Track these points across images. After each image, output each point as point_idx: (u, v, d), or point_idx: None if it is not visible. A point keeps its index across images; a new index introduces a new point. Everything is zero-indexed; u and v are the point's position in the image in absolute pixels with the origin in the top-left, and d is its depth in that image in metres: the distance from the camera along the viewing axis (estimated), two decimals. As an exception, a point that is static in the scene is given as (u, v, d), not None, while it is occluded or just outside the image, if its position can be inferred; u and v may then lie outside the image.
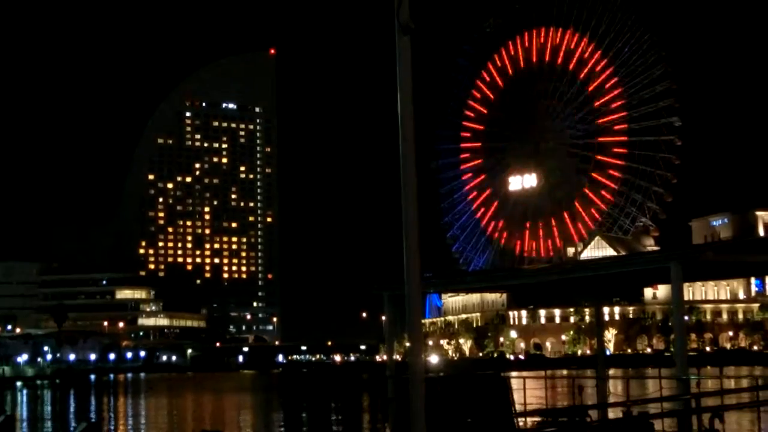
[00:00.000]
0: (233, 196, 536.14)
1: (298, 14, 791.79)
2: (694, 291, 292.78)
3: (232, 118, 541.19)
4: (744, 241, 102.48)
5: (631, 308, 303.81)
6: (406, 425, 17.96)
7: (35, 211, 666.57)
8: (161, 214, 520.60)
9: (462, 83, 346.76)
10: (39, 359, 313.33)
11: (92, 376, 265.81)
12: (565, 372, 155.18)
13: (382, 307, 53.95)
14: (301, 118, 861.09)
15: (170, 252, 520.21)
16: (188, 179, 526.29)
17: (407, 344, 18.85)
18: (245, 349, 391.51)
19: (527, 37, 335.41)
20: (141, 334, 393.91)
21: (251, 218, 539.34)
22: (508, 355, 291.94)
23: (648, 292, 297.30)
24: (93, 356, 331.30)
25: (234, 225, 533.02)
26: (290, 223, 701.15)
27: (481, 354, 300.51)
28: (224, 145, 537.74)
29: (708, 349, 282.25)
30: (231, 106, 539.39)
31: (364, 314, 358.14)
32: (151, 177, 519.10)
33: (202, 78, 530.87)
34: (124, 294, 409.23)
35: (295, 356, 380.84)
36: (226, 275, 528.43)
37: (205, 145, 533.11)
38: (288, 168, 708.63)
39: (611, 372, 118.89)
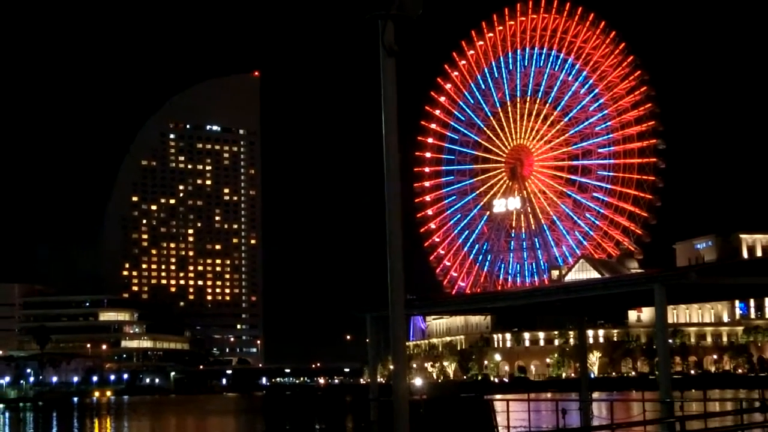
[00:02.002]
0: (217, 219, 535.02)
1: (282, 37, 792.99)
2: (678, 314, 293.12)
3: (216, 140, 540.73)
4: (728, 263, 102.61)
5: (615, 331, 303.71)
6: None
7: (18, 233, 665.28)
8: (145, 236, 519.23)
9: (445, 104, 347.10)
10: (22, 381, 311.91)
11: (75, 399, 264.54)
12: (549, 395, 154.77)
13: (366, 330, 53.82)
14: (285, 141, 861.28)
15: (154, 274, 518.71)
16: (172, 201, 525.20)
17: (391, 367, 18.76)
18: (228, 371, 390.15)
19: (512, 59, 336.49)
20: (124, 356, 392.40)
21: (235, 240, 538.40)
22: (492, 378, 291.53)
23: (632, 315, 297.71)
24: (76, 378, 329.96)
25: (217, 247, 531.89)
26: (274, 245, 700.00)
27: (465, 377, 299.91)
28: (208, 167, 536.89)
29: (692, 372, 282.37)
30: (215, 128, 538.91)
31: (348, 337, 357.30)
32: (134, 199, 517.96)
33: (186, 100, 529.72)
34: (107, 316, 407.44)
35: (278, 379, 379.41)
36: (209, 297, 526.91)
37: (189, 167, 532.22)
38: (272, 190, 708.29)
39: (595, 395, 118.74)
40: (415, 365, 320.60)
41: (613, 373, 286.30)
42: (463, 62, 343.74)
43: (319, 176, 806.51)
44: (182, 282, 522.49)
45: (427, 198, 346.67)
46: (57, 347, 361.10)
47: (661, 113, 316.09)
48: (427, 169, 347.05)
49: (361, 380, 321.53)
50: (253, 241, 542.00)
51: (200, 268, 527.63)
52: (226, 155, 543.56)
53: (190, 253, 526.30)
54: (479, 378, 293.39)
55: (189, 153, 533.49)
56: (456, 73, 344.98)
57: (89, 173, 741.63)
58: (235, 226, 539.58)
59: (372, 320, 51.99)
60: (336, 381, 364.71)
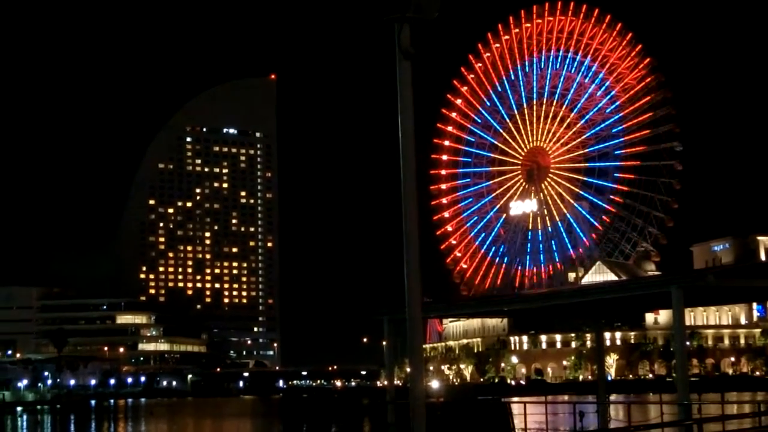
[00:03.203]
0: (234, 221, 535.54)
1: (298, 40, 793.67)
2: (695, 316, 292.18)
3: (232, 143, 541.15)
4: (745, 266, 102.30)
5: (632, 333, 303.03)
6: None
7: (36, 236, 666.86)
8: (161, 239, 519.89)
9: (462, 107, 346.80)
10: (39, 384, 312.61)
11: (92, 402, 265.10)
12: (566, 397, 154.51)
13: (383, 333, 53.88)
14: (302, 143, 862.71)
15: (170, 277, 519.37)
16: (189, 204, 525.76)
17: (408, 369, 18.78)
18: (245, 374, 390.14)
19: (528, 61, 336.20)
20: (141, 359, 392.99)
21: (252, 243, 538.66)
22: (509, 381, 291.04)
23: (649, 317, 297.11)
24: (93, 381, 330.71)
25: (234, 250, 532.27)
26: (290, 248, 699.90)
27: (482, 379, 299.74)
28: (225, 170, 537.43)
29: (710, 374, 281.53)
30: (231, 131, 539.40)
31: (365, 339, 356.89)
32: (151, 202, 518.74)
33: (203, 103, 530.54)
34: (124, 319, 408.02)
35: (295, 381, 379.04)
36: (226, 300, 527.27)
37: (206, 170, 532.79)
38: (288, 193, 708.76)
39: (612, 397, 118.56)
40: (431, 368, 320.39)
41: (630, 376, 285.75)
42: (480, 65, 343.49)
43: (335, 179, 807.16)
44: (199, 285, 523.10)
45: (444, 200, 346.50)
46: (74, 350, 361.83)
47: (678, 115, 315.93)
48: (443, 172, 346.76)
49: (378, 383, 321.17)
50: (269, 244, 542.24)
51: (217, 270, 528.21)
52: (242, 158, 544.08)
53: (207, 256, 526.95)
54: (496, 380, 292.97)
55: (206, 156, 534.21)
56: (472, 76, 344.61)
57: (106, 176, 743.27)
58: (252, 229, 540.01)
59: (389, 323, 52.04)
60: (353, 383, 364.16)
